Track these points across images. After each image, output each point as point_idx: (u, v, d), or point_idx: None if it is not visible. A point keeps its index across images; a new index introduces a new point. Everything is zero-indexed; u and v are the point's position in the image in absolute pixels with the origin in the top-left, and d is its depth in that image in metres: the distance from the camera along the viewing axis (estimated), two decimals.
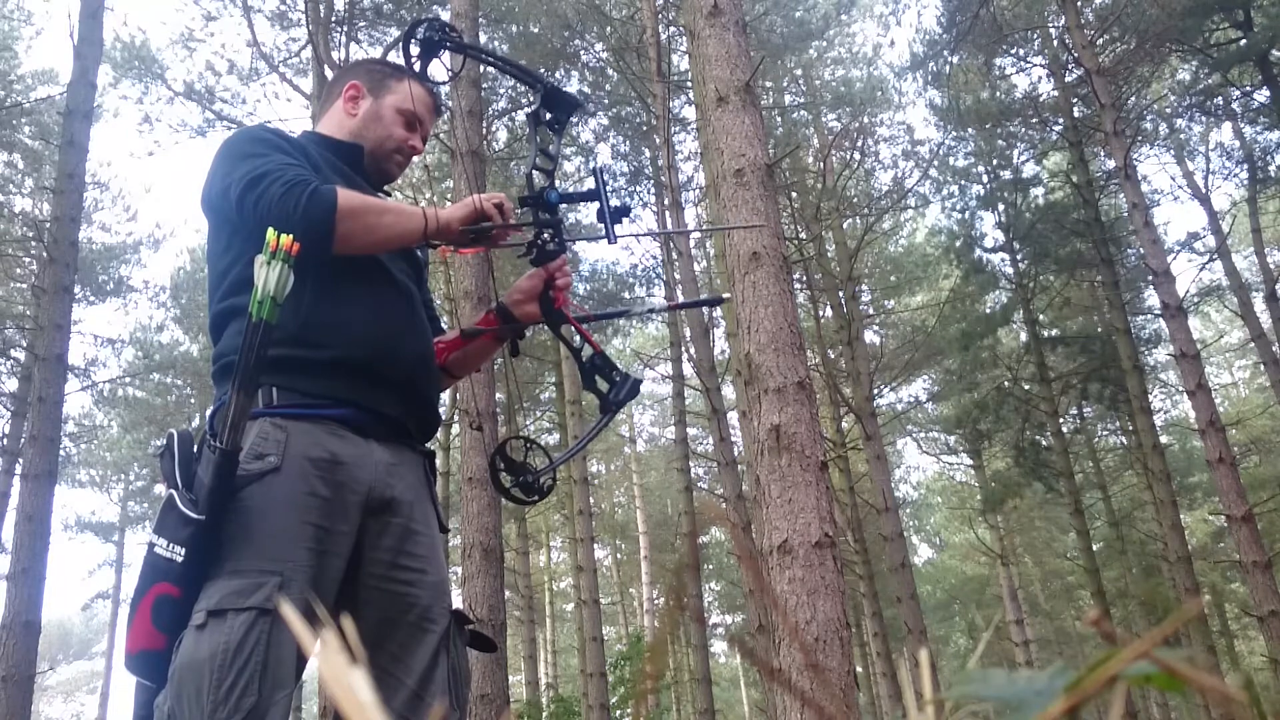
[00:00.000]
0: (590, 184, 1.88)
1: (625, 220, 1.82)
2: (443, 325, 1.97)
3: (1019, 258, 15.49)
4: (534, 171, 1.81)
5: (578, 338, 1.80)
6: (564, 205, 1.81)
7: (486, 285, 7.77)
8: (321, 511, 1.52)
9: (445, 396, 14.44)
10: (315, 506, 1.52)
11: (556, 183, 1.84)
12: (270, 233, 1.48)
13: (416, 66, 1.89)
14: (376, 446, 1.64)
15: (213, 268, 1.75)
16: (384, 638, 1.59)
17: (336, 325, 1.64)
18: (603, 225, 1.79)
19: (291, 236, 1.49)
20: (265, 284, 1.46)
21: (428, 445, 1.80)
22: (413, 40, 1.88)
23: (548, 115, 1.88)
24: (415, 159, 1.98)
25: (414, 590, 1.63)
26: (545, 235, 1.79)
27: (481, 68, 10.05)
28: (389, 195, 1.90)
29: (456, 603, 1.81)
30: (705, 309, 14.06)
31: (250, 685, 1.36)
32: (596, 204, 1.81)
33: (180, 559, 1.42)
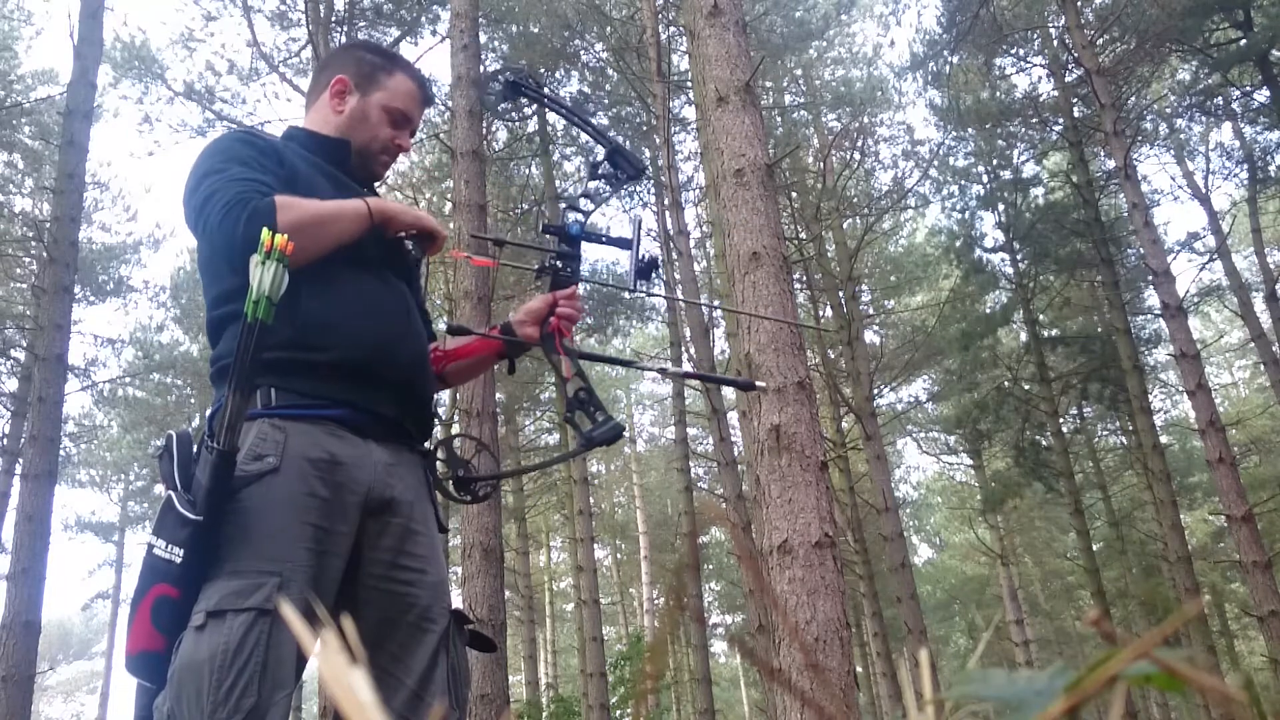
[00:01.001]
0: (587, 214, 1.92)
1: (653, 274, 1.87)
2: (434, 330, 1.96)
3: (1019, 258, 15.49)
4: (571, 207, 1.87)
5: (570, 369, 1.81)
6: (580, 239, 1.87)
7: (486, 285, 7.77)
8: (320, 512, 1.52)
9: (445, 395, 14.45)
10: (314, 507, 1.52)
11: (588, 224, 1.90)
12: (265, 233, 1.47)
13: (490, 101, 1.93)
14: (375, 447, 1.63)
15: (204, 275, 1.74)
16: (384, 638, 1.59)
17: (333, 327, 1.63)
18: (631, 274, 1.85)
19: (286, 236, 1.48)
20: (260, 284, 1.45)
21: (426, 445, 1.80)
22: (497, 80, 1.93)
23: (608, 169, 1.93)
24: (413, 155, 1.99)
25: (414, 590, 1.63)
26: (558, 264, 1.83)
27: (482, 67, 10.05)
28: (375, 194, 1.89)
29: (456, 603, 1.81)
30: (706, 311, 14.08)
31: (250, 686, 1.36)
32: (627, 251, 1.86)
33: (179, 560, 1.42)
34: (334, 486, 1.55)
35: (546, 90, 2.03)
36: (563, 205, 1.90)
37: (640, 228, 1.91)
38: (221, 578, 1.43)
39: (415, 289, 1.87)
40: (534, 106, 15.29)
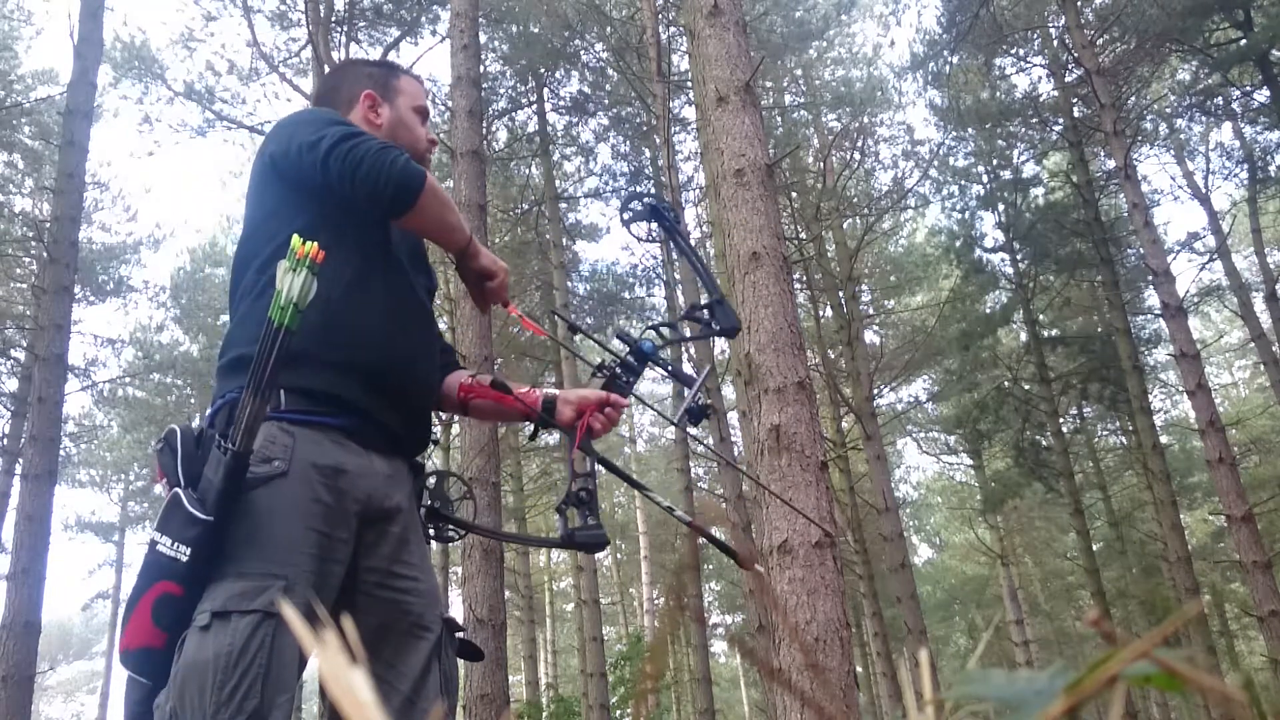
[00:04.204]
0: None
1: (702, 420, 1.93)
2: (458, 358, 2.02)
3: (1019, 258, 15.49)
4: (653, 327, 1.94)
5: (583, 468, 1.84)
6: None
7: None
8: (325, 518, 1.53)
9: None
10: (319, 513, 1.52)
11: (662, 352, 1.94)
12: (295, 240, 1.48)
13: (625, 217, 2.00)
14: (376, 457, 1.65)
15: (260, 232, 1.71)
16: (379, 644, 1.60)
17: (357, 329, 1.65)
18: (683, 413, 1.92)
19: (317, 245, 1.48)
20: (289, 290, 1.46)
21: (419, 459, 1.83)
22: (639, 200, 2.01)
23: (706, 315, 1.98)
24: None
25: (408, 598, 1.64)
26: (618, 370, 1.87)
27: (483, 67, 10.05)
28: None
29: (455, 605, 1.83)
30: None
31: (253, 687, 1.36)
32: (685, 388, 1.95)
33: (185, 558, 1.42)
34: (337, 494, 1.56)
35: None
36: (649, 324, 1.95)
37: (706, 377, 1.97)
38: (227, 579, 1.43)
39: (429, 300, 1.91)
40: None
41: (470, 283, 1.84)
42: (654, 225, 2.04)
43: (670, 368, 1.96)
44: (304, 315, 1.50)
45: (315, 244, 1.48)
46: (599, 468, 1.83)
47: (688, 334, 1.99)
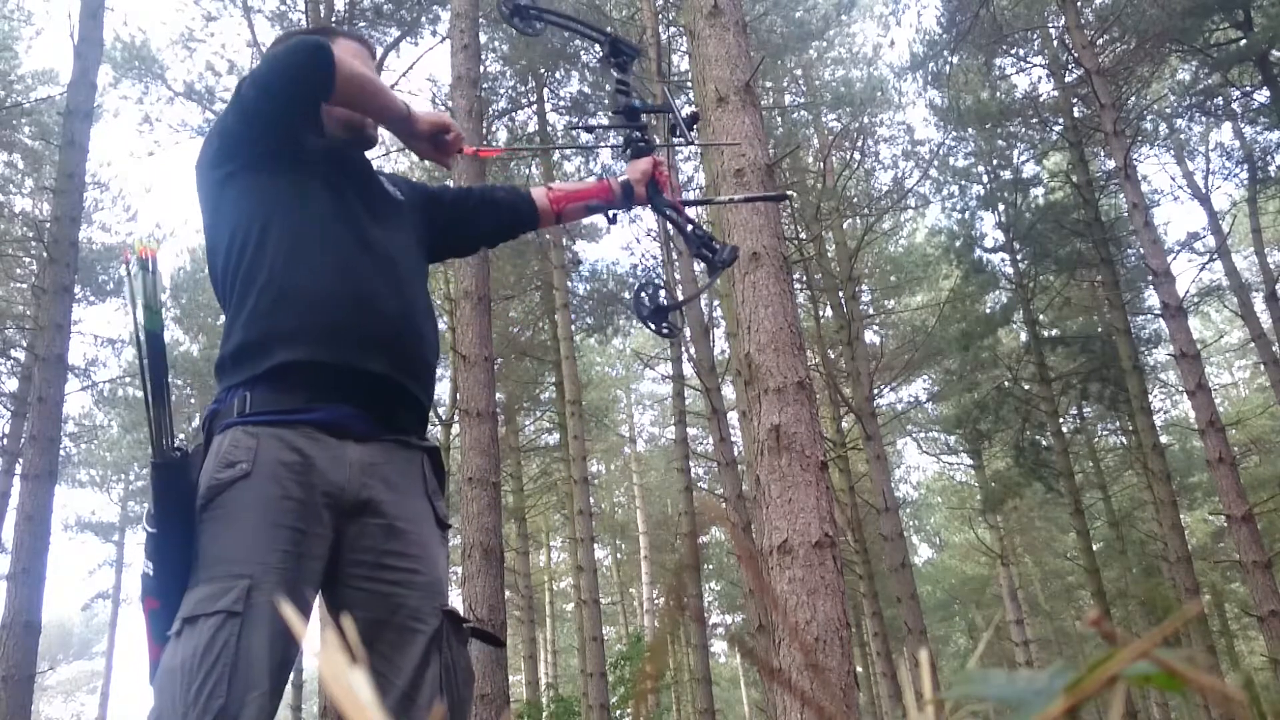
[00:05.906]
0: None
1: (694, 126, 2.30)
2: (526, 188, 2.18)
3: (1019, 258, 15.50)
4: (618, 94, 2.25)
5: (680, 218, 2.17)
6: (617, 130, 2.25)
7: (486, 285, 7.78)
8: (295, 514, 1.52)
9: (445, 396, 14.42)
10: (289, 509, 1.51)
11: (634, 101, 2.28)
12: (136, 243, 1.56)
13: (516, 24, 2.27)
14: (353, 447, 1.61)
15: (215, 240, 1.75)
16: (374, 639, 1.58)
17: (306, 293, 1.63)
18: (682, 125, 2.25)
19: (157, 243, 1.54)
20: (135, 295, 1.53)
21: (426, 440, 1.76)
22: (504, 7, 2.29)
23: (614, 60, 2.30)
24: (412, 155, 2.06)
25: (401, 590, 1.60)
26: (637, 134, 2.19)
27: (483, 67, 10.06)
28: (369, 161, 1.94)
29: (455, 602, 1.81)
30: (705, 311, 14.09)
31: (219, 687, 1.37)
32: (670, 113, 2.30)
33: (151, 572, 1.47)
34: (307, 488, 1.54)
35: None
36: (613, 90, 2.28)
37: (672, 95, 2.33)
38: (198, 585, 1.45)
39: (403, 233, 1.85)
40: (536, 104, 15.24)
41: (425, 149, 1.92)
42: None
43: (652, 107, 2.39)
44: (259, 291, 1.60)
45: (149, 243, 1.58)
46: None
47: (627, 76, 2.30)
